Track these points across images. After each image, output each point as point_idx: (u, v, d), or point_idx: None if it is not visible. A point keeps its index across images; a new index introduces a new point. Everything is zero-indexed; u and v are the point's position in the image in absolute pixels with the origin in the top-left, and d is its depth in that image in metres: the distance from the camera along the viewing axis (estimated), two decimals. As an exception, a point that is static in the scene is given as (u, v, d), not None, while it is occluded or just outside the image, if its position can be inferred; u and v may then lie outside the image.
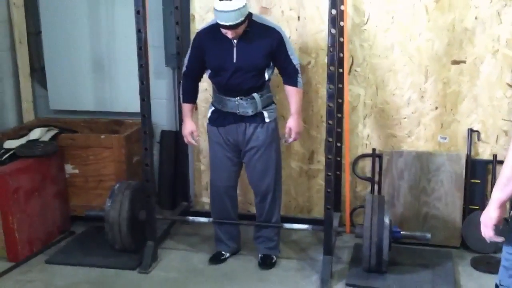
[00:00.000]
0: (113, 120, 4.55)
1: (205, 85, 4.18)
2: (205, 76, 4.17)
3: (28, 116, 4.62)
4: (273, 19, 3.95)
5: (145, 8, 3.38)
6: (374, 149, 4.02)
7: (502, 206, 1.83)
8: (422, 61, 3.83)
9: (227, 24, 3.20)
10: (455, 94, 3.83)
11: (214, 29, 3.34)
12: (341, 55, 3.70)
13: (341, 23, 3.64)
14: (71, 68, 4.53)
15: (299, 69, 3.46)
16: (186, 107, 3.64)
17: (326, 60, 3.30)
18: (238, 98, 3.44)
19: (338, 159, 3.90)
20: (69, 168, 4.20)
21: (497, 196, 1.82)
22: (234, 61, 3.36)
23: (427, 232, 3.54)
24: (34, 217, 3.87)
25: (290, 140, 3.56)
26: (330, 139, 3.34)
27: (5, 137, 4.20)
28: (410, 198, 3.90)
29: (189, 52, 3.54)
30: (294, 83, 3.45)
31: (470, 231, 3.78)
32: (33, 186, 3.85)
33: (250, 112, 3.45)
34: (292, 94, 3.48)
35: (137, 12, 3.36)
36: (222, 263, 3.74)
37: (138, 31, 3.39)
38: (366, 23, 3.87)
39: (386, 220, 3.36)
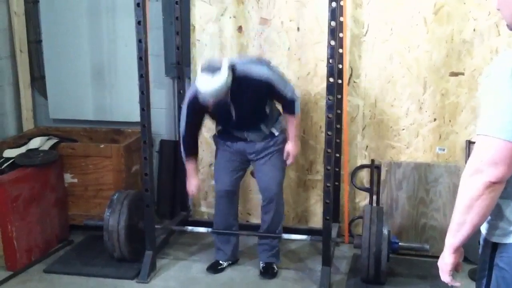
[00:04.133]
0: (113, 130, 4.56)
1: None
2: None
3: (28, 124, 4.63)
4: (272, 30, 4.00)
5: (146, 18, 3.40)
6: (372, 160, 4.03)
7: (456, 251, 1.80)
8: (420, 72, 3.86)
9: (210, 101, 3.23)
10: (454, 105, 3.85)
11: None
12: (340, 66, 3.72)
13: (341, 35, 3.66)
14: (71, 77, 4.55)
15: (295, 97, 3.47)
16: (190, 164, 3.66)
17: (325, 71, 3.31)
18: (245, 131, 3.54)
19: (337, 169, 3.91)
20: (68, 177, 4.20)
21: (450, 242, 1.79)
22: (234, 118, 3.43)
23: (425, 243, 3.55)
24: (33, 225, 3.87)
25: (289, 162, 3.61)
26: (329, 150, 3.36)
27: (5, 145, 4.22)
28: (408, 208, 3.91)
29: (184, 118, 3.49)
30: (291, 112, 3.50)
31: (468, 242, 3.77)
32: (32, 195, 3.85)
33: (259, 139, 3.54)
34: (291, 121, 3.54)
35: (138, 23, 3.37)
36: (219, 272, 3.75)
37: (139, 41, 3.40)
38: (365, 34, 3.90)
39: (385, 231, 3.36)
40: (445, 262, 1.83)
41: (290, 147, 3.57)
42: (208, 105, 3.28)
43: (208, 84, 3.11)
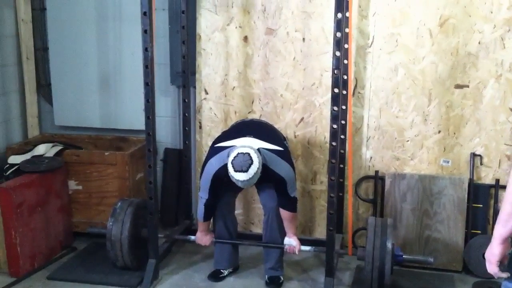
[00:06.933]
0: (118, 137, 4.58)
1: (210, 104, 4.22)
2: (210, 96, 4.21)
3: (33, 131, 4.64)
4: (278, 40, 4.01)
5: (152, 27, 3.41)
6: (377, 171, 4.03)
7: (504, 242, 1.83)
8: (425, 84, 3.86)
9: (246, 187, 3.34)
10: (458, 117, 3.85)
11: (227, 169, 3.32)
12: (345, 77, 3.72)
13: (346, 45, 3.66)
14: (77, 84, 4.57)
15: (296, 196, 3.52)
16: (206, 224, 3.70)
17: (330, 82, 3.32)
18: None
19: (341, 180, 3.91)
20: (72, 184, 4.21)
21: (499, 232, 1.82)
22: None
23: (429, 256, 3.53)
24: (36, 232, 3.87)
25: (297, 253, 3.64)
26: (333, 161, 3.35)
27: (10, 152, 4.23)
28: (412, 220, 3.90)
29: (208, 187, 3.49)
30: (291, 210, 3.54)
31: (472, 255, 3.77)
32: (36, 201, 3.86)
33: None
34: (290, 219, 3.57)
35: (145, 31, 3.39)
36: (221, 280, 3.76)
37: (145, 49, 3.42)
38: (371, 45, 3.91)
39: (389, 245, 3.34)
40: (493, 252, 1.86)
41: (294, 242, 3.60)
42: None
43: (242, 175, 3.18)
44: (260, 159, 3.23)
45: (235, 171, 3.18)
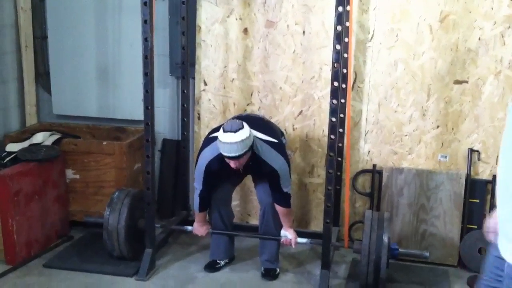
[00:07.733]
0: (116, 127, 4.57)
1: (209, 95, 4.22)
2: (209, 87, 4.21)
3: (31, 120, 4.64)
4: (278, 32, 4.00)
5: (152, 17, 3.41)
6: (374, 165, 4.04)
7: None
8: (425, 79, 3.86)
9: (231, 155, 3.20)
10: (457, 113, 3.86)
11: (222, 158, 3.30)
12: (345, 70, 3.72)
13: (346, 39, 3.66)
14: (75, 73, 4.56)
15: (290, 192, 3.49)
16: (202, 214, 3.71)
17: (329, 75, 3.32)
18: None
19: (339, 173, 3.92)
20: (70, 173, 4.21)
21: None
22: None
23: (425, 251, 3.55)
24: (33, 220, 3.87)
25: (294, 246, 3.66)
26: (332, 154, 3.36)
27: (8, 140, 4.24)
28: (409, 215, 3.91)
29: (201, 178, 3.49)
30: (286, 206, 3.53)
31: (467, 250, 3.79)
32: (33, 189, 3.86)
33: None
34: (285, 214, 3.57)
35: (144, 22, 3.38)
36: (217, 271, 3.77)
37: (145, 39, 3.41)
38: (371, 40, 3.91)
39: (385, 238, 3.35)
40: None
41: (290, 235, 3.60)
42: (224, 167, 3.28)
43: (230, 135, 3.13)
44: (252, 135, 3.21)
45: (224, 131, 3.15)
